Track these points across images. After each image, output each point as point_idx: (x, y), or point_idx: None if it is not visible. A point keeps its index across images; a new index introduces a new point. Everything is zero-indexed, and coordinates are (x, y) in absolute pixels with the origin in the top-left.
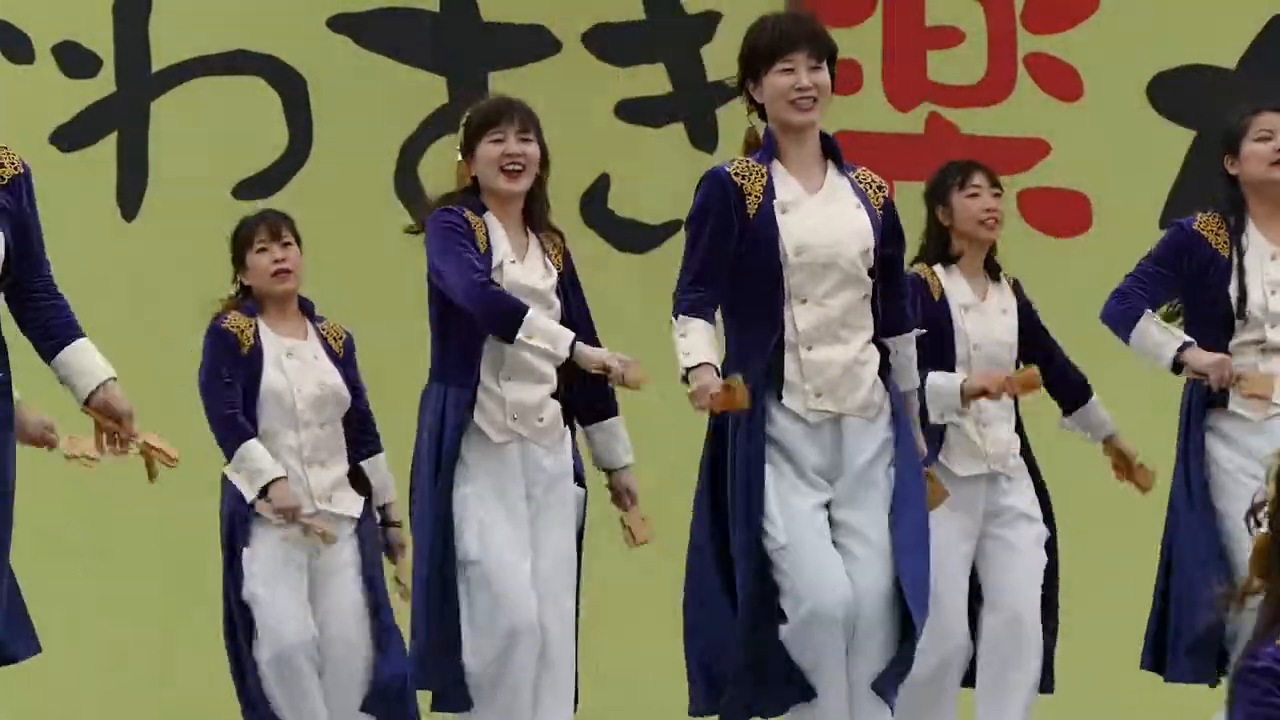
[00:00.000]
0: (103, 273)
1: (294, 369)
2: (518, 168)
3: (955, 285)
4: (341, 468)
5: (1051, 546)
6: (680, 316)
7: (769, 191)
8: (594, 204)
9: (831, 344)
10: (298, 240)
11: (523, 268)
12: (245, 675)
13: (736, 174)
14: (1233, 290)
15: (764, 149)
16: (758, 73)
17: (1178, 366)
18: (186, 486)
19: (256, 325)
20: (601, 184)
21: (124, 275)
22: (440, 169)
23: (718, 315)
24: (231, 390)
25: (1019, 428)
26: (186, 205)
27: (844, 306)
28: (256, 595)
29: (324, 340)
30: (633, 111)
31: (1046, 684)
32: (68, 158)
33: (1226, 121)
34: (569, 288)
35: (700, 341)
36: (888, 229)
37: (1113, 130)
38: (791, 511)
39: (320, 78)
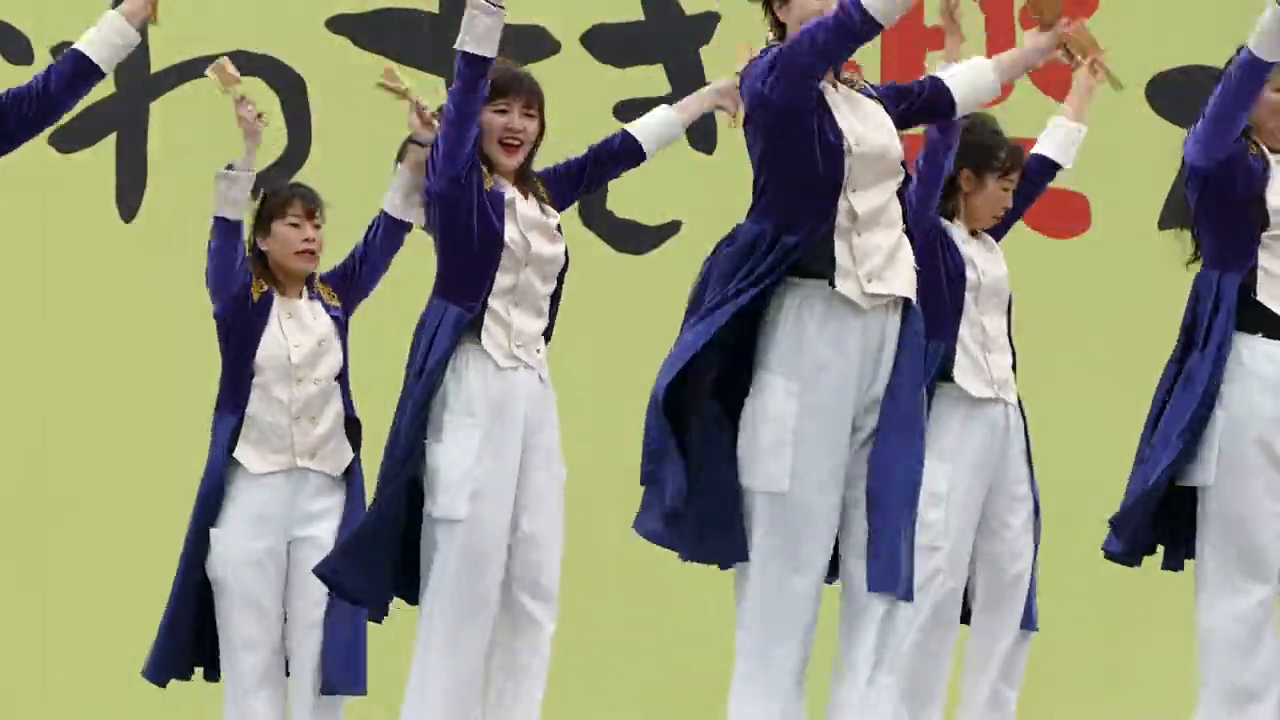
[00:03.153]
0: (103, 273)
1: (292, 327)
2: (517, 143)
3: (956, 231)
4: (333, 423)
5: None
6: None
7: (820, 88)
8: (594, 204)
9: (879, 230)
10: (322, 225)
11: (527, 204)
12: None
13: None
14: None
15: None
16: None
17: None
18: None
19: (269, 289)
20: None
21: (124, 275)
22: None
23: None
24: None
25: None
26: (186, 206)
27: (889, 195)
28: (221, 579)
29: (322, 301)
30: (632, 112)
31: (1029, 621)
32: (67, 159)
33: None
34: (566, 166)
35: None
36: (895, 106)
37: (1112, 130)
38: (807, 469)
39: (320, 78)
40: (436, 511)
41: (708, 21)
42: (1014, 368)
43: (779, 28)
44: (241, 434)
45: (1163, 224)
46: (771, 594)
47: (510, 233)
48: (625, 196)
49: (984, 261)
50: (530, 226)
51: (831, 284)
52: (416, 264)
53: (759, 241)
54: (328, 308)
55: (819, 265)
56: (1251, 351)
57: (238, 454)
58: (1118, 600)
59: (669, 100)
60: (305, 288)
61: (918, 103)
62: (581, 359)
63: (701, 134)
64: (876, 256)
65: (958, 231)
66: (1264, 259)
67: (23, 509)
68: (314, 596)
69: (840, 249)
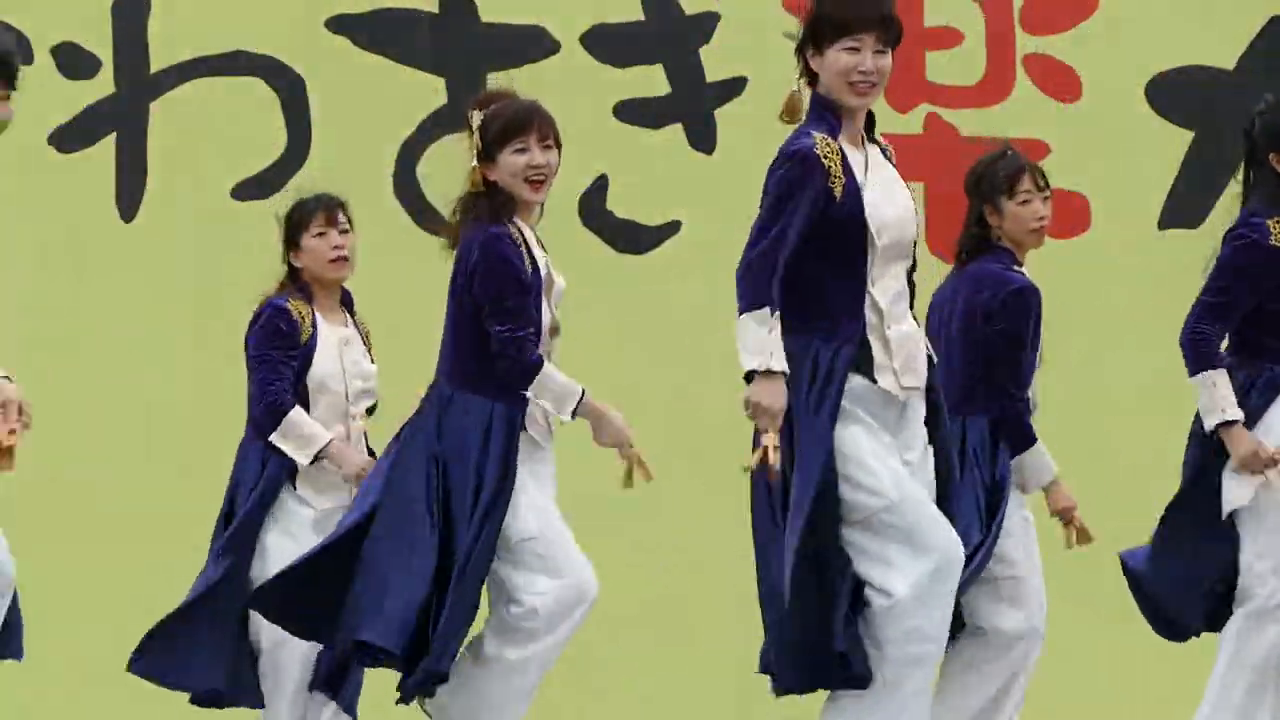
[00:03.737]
0: (103, 273)
1: (348, 360)
2: (542, 178)
3: None
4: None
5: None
6: (765, 308)
7: (847, 170)
8: (593, 205)
9: (902, 320)
10: (351, 225)
11: (556, 275)
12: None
13: (823, 155)
14: None
15: (827, 121)
16: (820, 43)
17: (1213, 433)
18: (200, 480)
19: (314, 315)
20: (600, 185)
21: (124, 276)
22: (439, 170)
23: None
24: (285, 367)
25: None
26: (186, 206)
27: (903, 281)
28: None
29: (361, 333)
30: (631, 112)
31: None
32: (67, 159)
33: (1266, 116)
34: None
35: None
36: None
37: (1111, 131)
38: (896, 473)
39: (319, 78)
40: (513, 533)
41: (708, 21)
42: None
43: (810, 75)
44: (300, 470)
45: (1162, 224)
46: None
47: (547, 319)
48: (624, 197)
49: None
50: (558, 302)
51: (873, 380)
52: (415, 271)
53: (818, 359)
54: (366, 345)
55: (859, 363)
56: None
57: (300, 491)
58: (1112, 613)
59: (667, 101)
60: (347, 313)
61: None
62: (580, 359)
63: (700, 134)
64: (908, 347)
65: None
66: None
67: (21, 510)
68: None
69: (875, 344)
